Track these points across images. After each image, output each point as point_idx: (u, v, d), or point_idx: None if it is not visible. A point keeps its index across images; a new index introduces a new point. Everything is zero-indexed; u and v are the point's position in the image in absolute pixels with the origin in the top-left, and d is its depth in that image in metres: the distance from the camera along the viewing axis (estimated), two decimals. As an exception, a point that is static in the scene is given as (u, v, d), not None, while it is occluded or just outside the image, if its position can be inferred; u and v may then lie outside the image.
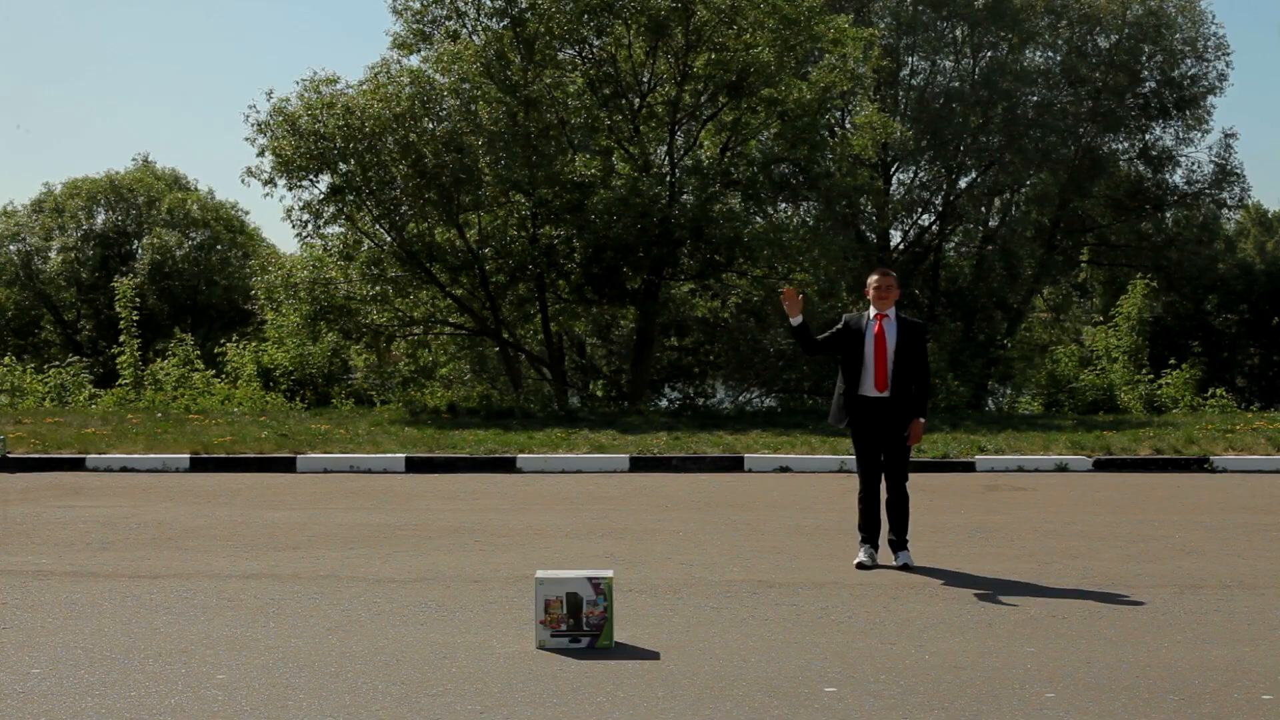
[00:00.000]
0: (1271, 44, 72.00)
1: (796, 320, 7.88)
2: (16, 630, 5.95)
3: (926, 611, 6.47)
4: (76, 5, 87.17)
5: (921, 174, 32.21)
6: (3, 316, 38.72)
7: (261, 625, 6.07)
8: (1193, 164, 33.03)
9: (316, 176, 18.12)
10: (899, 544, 7.75)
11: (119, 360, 20.46)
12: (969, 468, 12.47)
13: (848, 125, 27.62)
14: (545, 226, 19.06)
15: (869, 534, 7.82)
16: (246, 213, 45.06)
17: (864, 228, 30.77)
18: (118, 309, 20.77)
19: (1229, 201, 33.12)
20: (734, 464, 12.49)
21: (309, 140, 17.58)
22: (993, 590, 7.01)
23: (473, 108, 18.27)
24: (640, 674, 5.29)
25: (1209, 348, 29.91)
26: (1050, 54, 31.63)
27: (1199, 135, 32.39)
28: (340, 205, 18.50)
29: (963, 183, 32.31)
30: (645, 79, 20.23)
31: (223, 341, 23.68)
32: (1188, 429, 14.42)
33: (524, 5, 19.02)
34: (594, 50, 20.13)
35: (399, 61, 19.72)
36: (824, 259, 20.21)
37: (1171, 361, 21.10)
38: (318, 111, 17.69)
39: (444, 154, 17.64)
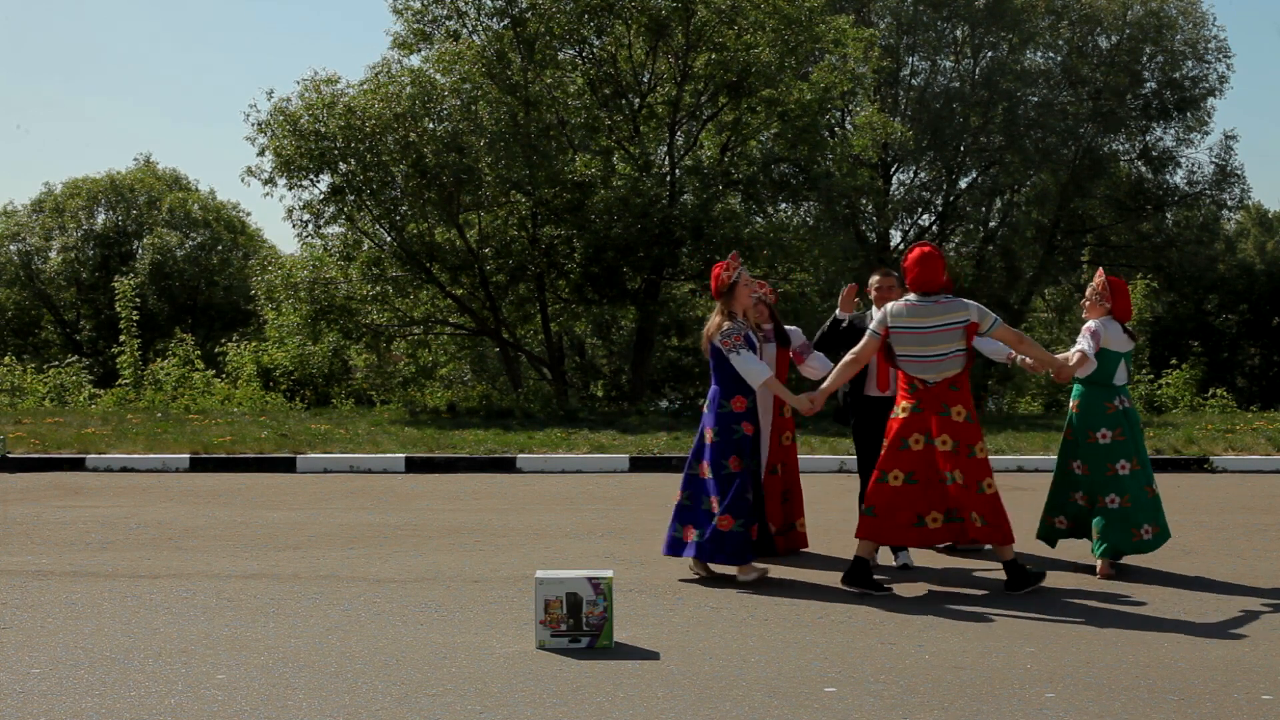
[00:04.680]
0: (1272, 45, 72.02)
1: (841, 316, 7.93)
2: (16, 630, 5.95)
3: (926, 611, 6.47)
4: (76, 5, 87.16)
5: (921, 174, 32.22)
6: (3, 316, 38.72)
7: (261, 625, 6.07)
8: (1193, 165, 33.04)
9: (317, 176, 18.13)
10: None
11: (119, 360, 20.47)
12: (969, 468, 12.44)
13: (848, 125, 27.64)
14: (545, 226, 19.07)
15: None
16: (248, 213, 45.13)
17: (864, 228, 30.79)
18: (118, 309, 20.78)
19: (1229, 202, 33.13)
20: (734, 464, 12.47)
21: (309, 140, 17.58)
22: (993, 590, 7.01)
23: (473, 108, 18.27)
24: (640, 674, 5.29)
25: (1209, 348, 29.93)
26: (1051, 54, 31.63)
27: (1199, 136, 32.42)
28: (340, 205, 18.51)
29: (963, 183, 32.32)
30: (645, 79, 20.24)
31: (223, 341, 23.71)
32: (1188, 429, 14.42)
33: (524, 5, 19.02)
34: (594, 50, 20.14)
35: (399, 61, 19.76)
36: (824, 259, 20.23)
37: (1172, 361, 21.12)
38: (318, 111, 17.70)
39: (444, 154, 17.64)
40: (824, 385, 7.30)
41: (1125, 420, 7.56)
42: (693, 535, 7.16)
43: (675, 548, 7.25)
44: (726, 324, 7.14)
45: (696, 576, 7.27)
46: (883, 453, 7.00)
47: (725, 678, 5.24)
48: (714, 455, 7.14)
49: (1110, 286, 7.69)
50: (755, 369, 7.09)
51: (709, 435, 7.22)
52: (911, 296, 6.98)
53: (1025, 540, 8.05)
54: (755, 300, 7.84)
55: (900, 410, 6.97)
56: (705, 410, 7.31)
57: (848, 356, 7.18)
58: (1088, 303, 7.77)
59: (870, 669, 5.38)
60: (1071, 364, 7.32)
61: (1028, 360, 7.68)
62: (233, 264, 38.53)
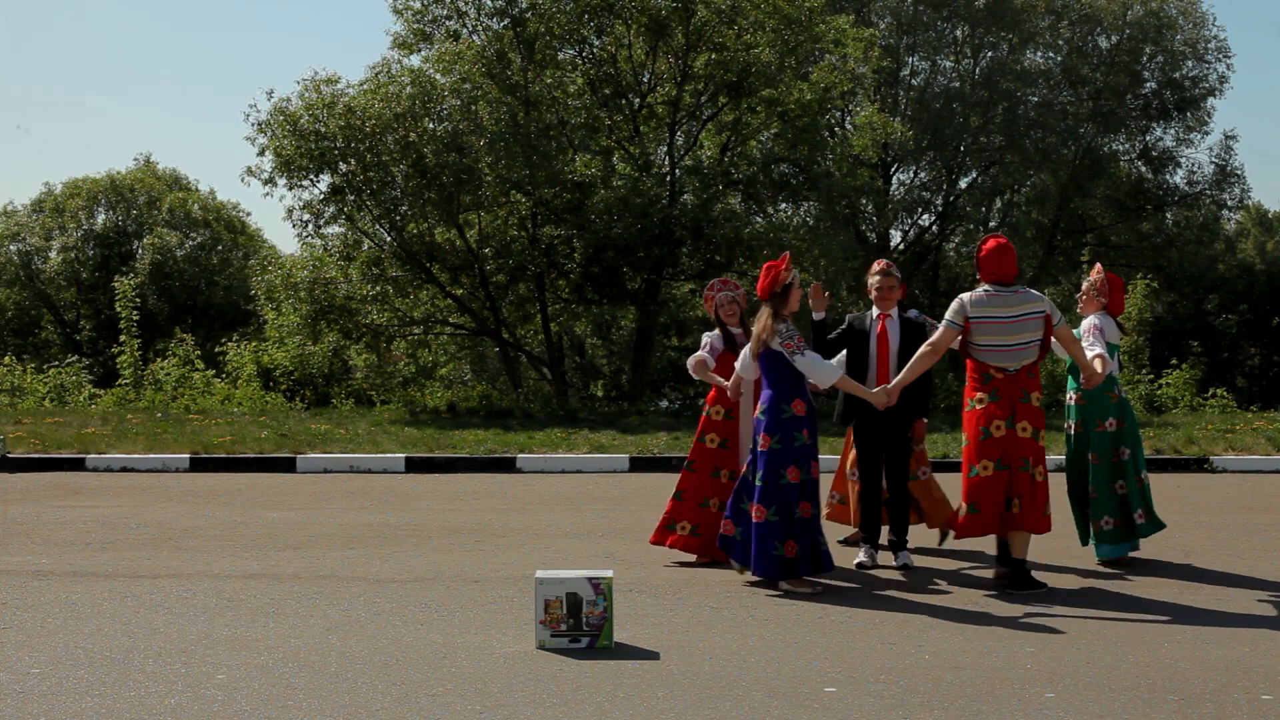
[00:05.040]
0: (1272, 45, 71.96)
1: (819, 316, 7.87)
2: (16, 630, 5.95)
3: (926, 611, 6.47)
4: (76, 5, 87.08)
5: (921, 174, 32.24)
6: (3, 316, 38.71)
7: (261, 625, 6.07)
8: (1193, 165, 33.08)
9: (317, 176, 18.13)
10: (899, 544, 7.75)
11: (119, 360, 20.46)
12: (969, 468, 12.44)
13: (848, 125, 27.65)
14: (545, 226, 19.07)
15: (869, 534, 7.82)
16: (248, 214, 45.11)
17: (864, 228, 30.80)
18: (118, 309, 20.77)
19: (1229, 202, 33.16)
20: (734, 464, 12.47)
21: (309, 140, 17.58)
22: (993, 590, 7.01)
23: (473, 108, 18.28)
24: (640, 674, 5.29)
25: (1209, 348, 29.93)
26: (1051, 54, 31.65)
27: (1199, 136, 32.44)
28: (340, 205, 18.51)
29: (963, 183, 32.34)
30: (645, 79, 20.24)
31: (223, 341, 23.70)
32: (1188, 429, 14.41)
33: (524, 5, 19.03)
34: (594, 50, 20.15)
35: (400, 61, 19.76)
36: (824, 259, 20.21)
37: (1172, 361, 21.10)
38: (318, 111, 17.70)
39: (444, 154, 17.64)
40: (899, 378, 7.26)
41: (1125, 409, 7.88)
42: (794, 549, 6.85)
43: (777, 567, 6.88)
44: (781, 325, 6.96)
45: (747, 581, 7.07)
46: (966, 449, 7.05)
47: (725, 678, 5.24)
48: (770, 464, 6.87)
49: (1108, 282, 7.85)
50: (826, 369, 6.96)
51: (766, 442, 6.90)
52: (988, 287, 7.03)
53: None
54: (729, 300, 7.83)
55: (975, 402, 7.01)
56: (759, 415, 7.00)
57: (924, 348, 7.16)
58: (1084, 297, 7.95)
59: (870, 669, 5.38)
60: (1100, 371, 7.44)
61: None
62: (233, 264, 38.51)
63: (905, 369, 7.24)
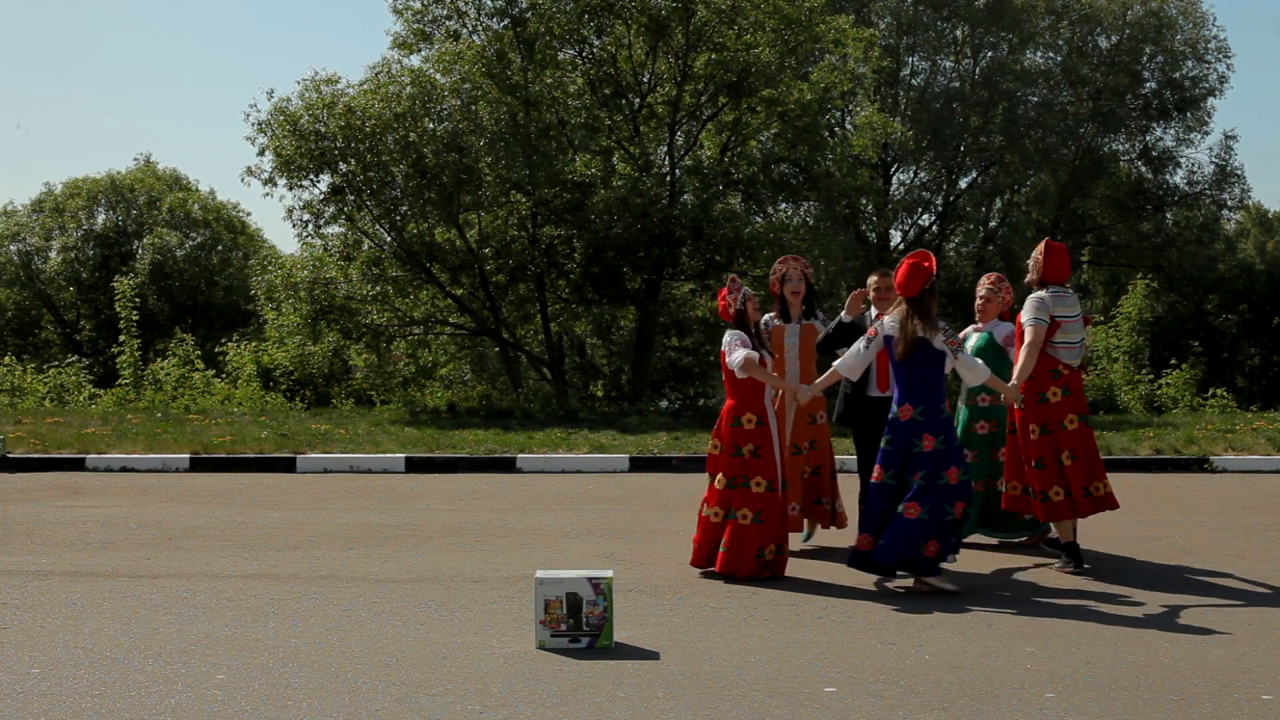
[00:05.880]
0: (1272, 45, 71.95)
1: (848, 319, 7.82)
2: (16, 630, 5.95)
3: (926, 611, 6.47)
4: (76, 4, 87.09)
5: (921, 174, 32.24)
6: (3, 316, 38.69)
7: (261, 625, 6.07)
8: (1193, 165, 33.10)
9: (317, 176, 18.13)
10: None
11: (119, 360, 20.46)
12: (969, 468, 12.44)
13: (848, 125, 27.65)
14: (545, 226, 19.07)
15: (869, 534, 7.81)
16: (248, 214, 45.09)
17: (864, 228, 30.82)
18: (118, 309, 20.77)
19: (1229, 202, 33.17)
20: (734, 464, 12.45)
21: (309, 140, 17.58)
22: (993, 590, 7.01)
23: (473, 108, 18.28)
24: (640, 674, 5.29)
25: (1209, 348, 29.92)
26: (1051, 54, 31.66)
27: (1199, 136, 32.45)
28: (340, 205, 18.51)
29: (963, 183, 32.34)
30: (645, 79, 20.24)
31: (223, 341, 23.70)
32: (1188, 429, 14.41)
33: (524, 5, 19.03)
34: (594, 50, 20.15)
35: (400, 61, 19.75)
36: (824, 259, 20.21)
37: (1172, 361, 21.09)
38: (318, 111, 17.70)
39: (444, 154, 17.64)
40: (1017, 374, 7.33)
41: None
42: (935, 549, 6.76)
43: (917, 563, 6.80)
44: (943, 323, 6.86)
45: (925, 590, 6.88)
46: (1046, 439, 7.31)
47: (725, 678, 5.24)
48: (934, 464, 6.75)
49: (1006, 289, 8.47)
50: (980, 367, 7.01)
51: (930, 443, 6.78)
52: (1053, 287, 7.35)
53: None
54: (747, 302, 7.59)
55: (1050, 396, 7.30)
56: (917, 417, 6.79)
57: (1027, 348, 7.30)
58: (985, 305, 8.34)
59: (870, 669, 5.38)
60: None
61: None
62: (233, 264, 38.48)
63: (1019, 367, 7.40)
